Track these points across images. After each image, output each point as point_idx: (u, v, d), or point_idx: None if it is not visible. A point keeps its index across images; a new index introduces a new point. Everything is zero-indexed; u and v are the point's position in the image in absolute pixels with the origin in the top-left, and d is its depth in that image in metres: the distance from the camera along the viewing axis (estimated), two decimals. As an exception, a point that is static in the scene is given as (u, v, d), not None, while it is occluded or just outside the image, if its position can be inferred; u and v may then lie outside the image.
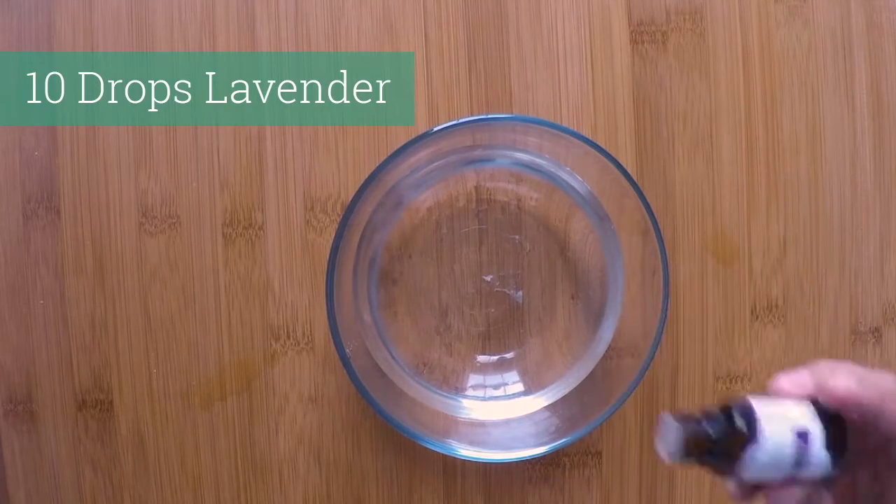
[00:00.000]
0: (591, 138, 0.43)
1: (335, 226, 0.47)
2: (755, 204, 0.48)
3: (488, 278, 0.47)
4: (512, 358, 0.48)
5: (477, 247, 0.48)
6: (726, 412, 0.30)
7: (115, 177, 0.48)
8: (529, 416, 0.46)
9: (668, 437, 0.30)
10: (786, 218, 0.48)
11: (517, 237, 0.48)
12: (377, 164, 0.41)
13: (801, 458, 0.29)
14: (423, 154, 0.44)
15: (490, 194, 0.48)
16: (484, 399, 0.48)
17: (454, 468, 0.48)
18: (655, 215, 0.42)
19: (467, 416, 0.47)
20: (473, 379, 0.48)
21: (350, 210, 0.41)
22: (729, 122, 0.48)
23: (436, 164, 0.46)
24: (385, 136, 0.48)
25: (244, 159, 0.48)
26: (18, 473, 0.48)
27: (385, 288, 0.47)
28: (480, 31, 0.48)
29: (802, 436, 0.29)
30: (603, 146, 0.42)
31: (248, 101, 0.47)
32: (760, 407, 0.30)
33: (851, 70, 0.49)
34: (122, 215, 0.48)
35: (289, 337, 0.48)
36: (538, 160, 0.47)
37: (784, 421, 0.29)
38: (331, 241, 0.42)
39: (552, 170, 0.47)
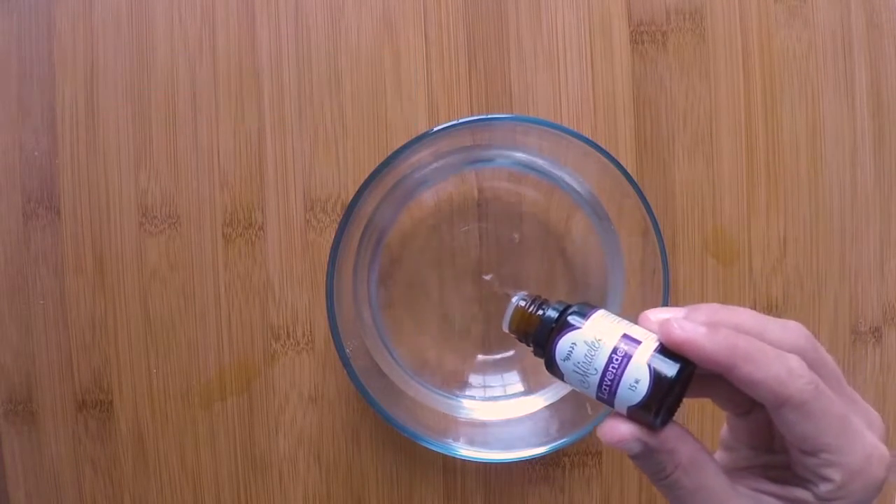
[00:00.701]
0: (591, 138, 0.43)
1: (335, 226, 0.47)
2: (755, 204, 0.48)
3: (488, 278, 0.47)
4: (512, 358, 0.48)
5: (477, 247, 0.48)
6: (572, 305, 0.30)
7: (115, 177, 0.48)
8: (529, 416, 0.46)
9: (510, 306, 0.32)
10: (786, 218, 0.48)
11: (517, 237, 0.48)
12: (377, 164, 0.41)
13: (615, 368, 0.27)
14: (423, 154, 0.44)
15: (490, 194, 0.48)
16: (484, 399, 0.48)
17: (454, 468, 0.48)
18: (655, 215, 0.42)
19: (467, 416, 0.47)
20: (473, 379, 0.48)
21: (350, 210, 0.41)
22: (729, 122, 0.48)
23: (436, 164, 0.46)
24: (385, 136, 0.48)
25: (244, 159, 0.48)
26: (18, 473, 0.48)
27: (385, 288, 0.47)
28: (480, 31, 0.48)
29: (628, 342, 0.27)
30: (603, 146, 0.42)
31: (248, 101, 0.47)
32: (607, 313, 0.28)
33: (851, 70, 0.49)
34: (122, 215, 0.48)
35: (289, 337, 0.48)
36: (538, 160, 0.47)
37: (614, 337, 0.27)
38: (331, 241, 0.42)
39: (552, 170, 0.47)
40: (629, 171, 0.42)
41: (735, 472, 0.30)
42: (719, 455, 0.32)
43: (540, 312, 0.30)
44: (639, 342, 0.27)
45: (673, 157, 0.48)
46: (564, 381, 0.29)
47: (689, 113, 0.48)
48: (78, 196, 0.47)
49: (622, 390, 0.27)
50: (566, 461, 0.48)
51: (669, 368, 0.27)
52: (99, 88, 0.47)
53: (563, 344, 0.28)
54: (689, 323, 0.26)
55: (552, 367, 0.29)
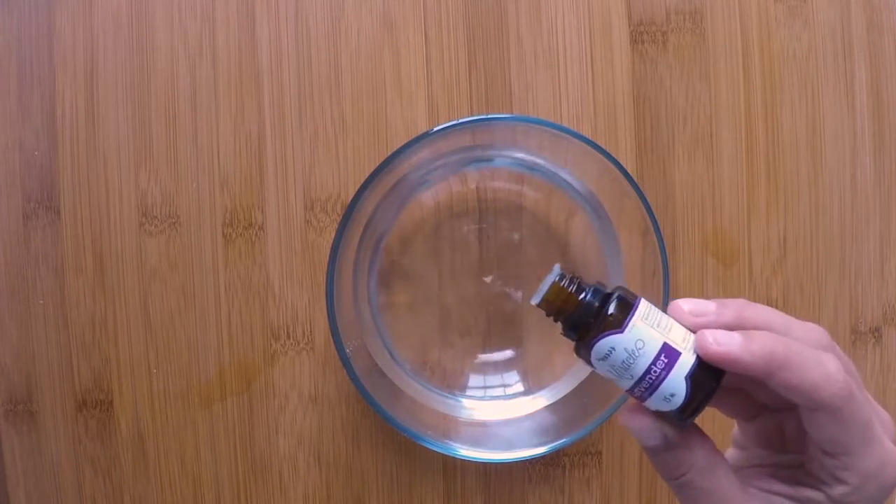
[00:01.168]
0: (591, 138, 0.43)
1: (335, 226, 0.47)
2: (755, 204, 0.48)
3: (488, 278, 0.47)
4: (512, 358, 0.48)
5: (477, 247, 0.48)
6: (612, 293, 0.29)
7: (115, 177, 0.48)
8: (529, 416, 0.46)
9: (546, 280, 0.29)
10: (786, 218, 0.48)
11: (517, 237, 0.48)
12: (377, 164, 0.41)
13: (652, 379, 0.27)
14: (423, 154, 0.44)
15: (490, 194, 0.48)
16: (484, 399, 0.48)
17: (454, 468, 0.48)
18: (655, 215, 0.42)
19: (467, 416, 0.47)
20: (473, 379, 0.48)
21: (350, 210, 0.41)
22: (729, 122, 0.48)
23: (436, 164, 0.46)
24: (385, 136, 0.48)
25: (244, 159, 0.48)
26: (18, 473, 0.48)
27: (385, 288, 0.47)
28: (480, 31, 0.48)
29: (668, 355, 0.27)
30: (603, 146, 0.42)
31: (248, 101, 0.47)
32: (647, 309, 0.28)
33: (851, 70, 0.49)
34: (122, 215, 0.48)
35: (289, 337, 0.48)
36: (538, 160, 0.47)
37: (655, 346, 0.27)
38: (331, 241, 0.42)
39: (552, 170, 0.47)
40: (629, 171, 0.42)
41: (746, 470, 0.30)
42: (731, 453, 0.32)
43: (581, 296, 0.29)
44: (678, 353, 0.27)
45: (673, 157, 0.48)
46: (591, 368, 0.29)
47: (689, 113, 0.48)
48: (78, 196, 0.47)
49: (655, 399, 0.27)
50: (566, 461, 0.48)
51: (706, 384, 0.27)
52: (99, 88, 0.47)
53: (602, 346, 0.28)
54: (724, 336, 0.26)
55: (581, 355, 0.29)
